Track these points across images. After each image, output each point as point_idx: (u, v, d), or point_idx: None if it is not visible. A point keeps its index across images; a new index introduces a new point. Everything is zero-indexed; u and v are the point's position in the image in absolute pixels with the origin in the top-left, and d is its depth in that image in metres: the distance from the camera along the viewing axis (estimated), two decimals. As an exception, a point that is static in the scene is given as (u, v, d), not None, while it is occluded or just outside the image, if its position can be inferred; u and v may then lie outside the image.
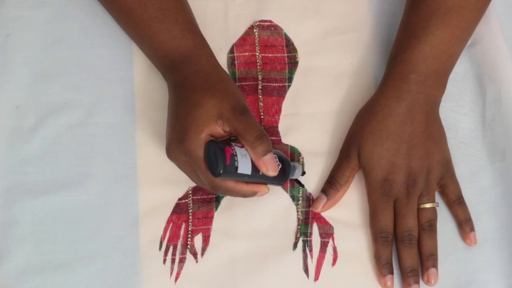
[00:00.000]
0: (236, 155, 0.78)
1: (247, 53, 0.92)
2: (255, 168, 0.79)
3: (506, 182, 0.87)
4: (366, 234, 0.85)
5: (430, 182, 0.83)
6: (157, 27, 0.84)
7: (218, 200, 0.86)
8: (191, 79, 0.82)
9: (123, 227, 0.85)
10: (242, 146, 0.79)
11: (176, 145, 0.79)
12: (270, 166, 0.78)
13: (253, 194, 0.81)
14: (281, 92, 0.90)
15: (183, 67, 0.83)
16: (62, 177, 0.86)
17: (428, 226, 0.83)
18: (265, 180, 0.81)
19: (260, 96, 0.90)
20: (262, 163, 0.78)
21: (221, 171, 0.77)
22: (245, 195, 0.81)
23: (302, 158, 0.88)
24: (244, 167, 0.78)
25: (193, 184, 0.86)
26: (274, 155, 0.80)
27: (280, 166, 0.80)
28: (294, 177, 0.85)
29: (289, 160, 0.83)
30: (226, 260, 0.84)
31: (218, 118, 0.79)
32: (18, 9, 0.92)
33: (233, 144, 0.79)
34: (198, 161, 0.78)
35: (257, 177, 0.79)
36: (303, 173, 0.87)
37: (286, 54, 0.92)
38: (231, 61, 0.91)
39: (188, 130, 0.78)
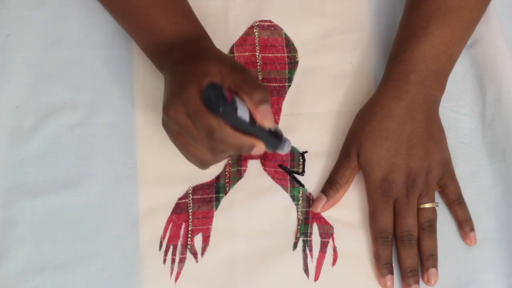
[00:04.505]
0: (235, 100, 0.73)
1: (247, 53, 0.92)
2: (252, 121, 0.74)
3: (506, 182, 0.86)
4: (366, 234, 0.85)
5: (430, 182, 0.83)
6: (156, 14, 0.83)
7: (218, 200, 0.86)
8: (192, 52, 0.79)
9: (123, 227, 0.85)
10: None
11: (176, 97, 0.75)
12: (266, 116, 0.73)
13: (250, 147, 0.75)
14: (281, 92, 0.90)
15: (184, 46, 0.81)
16: (62, 177, 0.86)
17: (428, 226, 0.83)
18: (260, 137, 0.76)
19: (260, 96, 0.90)
20: (258, 112, 0.73)
21: (221, 108, 0.72)
22: (242, 146, 0.75)
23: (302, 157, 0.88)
24: (243, 113, 0.73)
25: (193, 184, 0.86)
26: None
27: (273, 129, 0.76)
28: (284, 152, 0.80)
29: (282, 133, 0.79)
30: (226, 260, 0.84)
31: (218, 72, 0.75)
32: (18, 9, 0.92)
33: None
34: (197, 106, 0.73)
35: (254, 131, 0.75)
36: (303, 172, 0.87)
37: (286, 54, 0.92)
38: (231, 61, 0.91)
39: (188, 81, 0.74)
